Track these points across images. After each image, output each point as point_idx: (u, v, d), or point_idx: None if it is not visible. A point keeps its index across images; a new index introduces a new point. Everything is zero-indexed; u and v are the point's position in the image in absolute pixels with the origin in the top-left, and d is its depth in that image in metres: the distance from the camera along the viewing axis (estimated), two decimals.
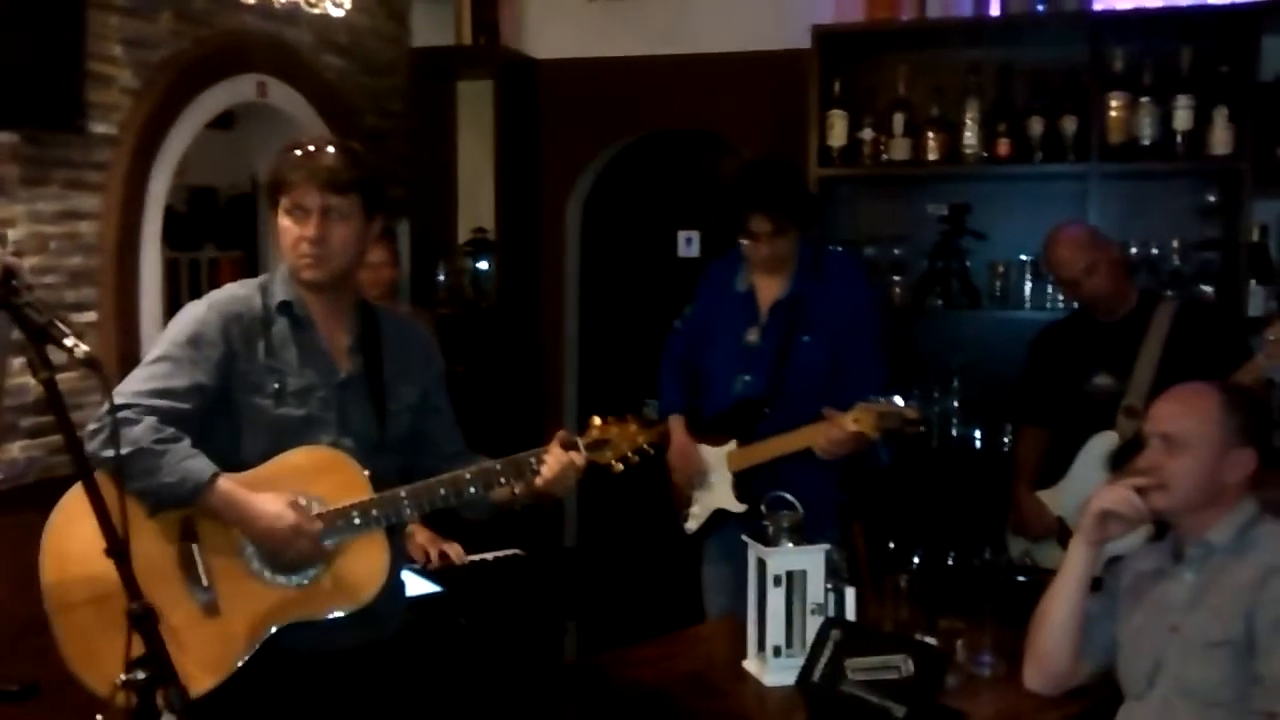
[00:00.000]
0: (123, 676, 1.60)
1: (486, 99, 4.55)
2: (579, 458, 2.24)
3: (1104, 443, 3.17)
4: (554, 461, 2.21)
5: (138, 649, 1.64)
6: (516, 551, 3.28)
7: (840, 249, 3.65)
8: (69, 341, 1.65)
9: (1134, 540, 2.46)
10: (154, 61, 3.38)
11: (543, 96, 4.69)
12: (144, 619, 1.61)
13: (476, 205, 4.70)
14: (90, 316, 3.22)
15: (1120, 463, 3.09)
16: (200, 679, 1.99)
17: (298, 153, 2.17)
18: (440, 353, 3.98)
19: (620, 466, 2.30)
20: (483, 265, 4.64)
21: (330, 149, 2.18)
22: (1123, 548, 2.42)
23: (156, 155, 3.40)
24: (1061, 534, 3.21)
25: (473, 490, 2.20)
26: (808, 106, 4.02)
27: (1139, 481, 2.21)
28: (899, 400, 2.80)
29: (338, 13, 3.90)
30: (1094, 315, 3.29)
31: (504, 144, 4.49)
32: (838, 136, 4.02)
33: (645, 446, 2.31)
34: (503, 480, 2.22)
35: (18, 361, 3.03)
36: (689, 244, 4.74)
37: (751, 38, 4.32)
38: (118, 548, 1.65)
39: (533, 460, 2.22)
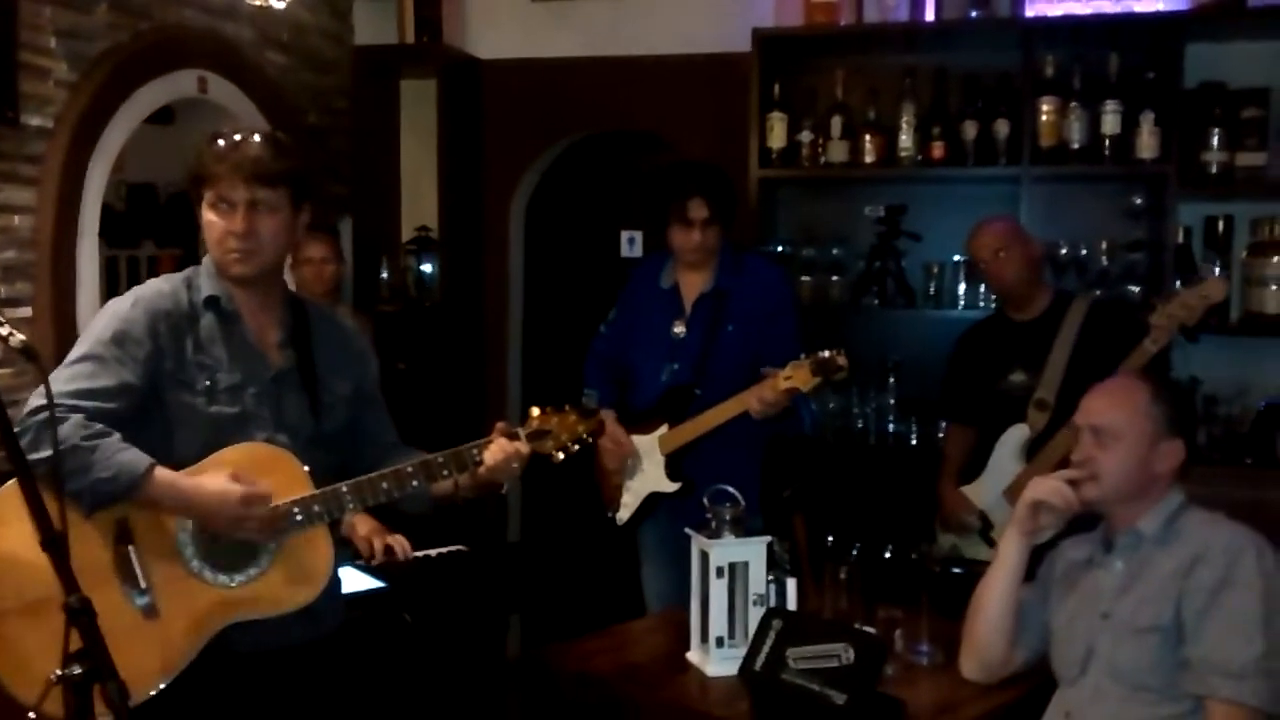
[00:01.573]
0: (58, 671, 1.53)
1: (430, 98, 4.55)
2: (522, 446, 2.22)
3: (1017, 435, 3.28)
4: (497, 451, 2.20)
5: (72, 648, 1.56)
6: (460, 547, 3.29)
7: (757, 251, 3.78)
8: (3, 330, 1.60)
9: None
10: (90, 54, 3.34)
11: (486, 96, 4.69)
12: (81, 613, 1.55)
13: (419, 204, 4.69)
14: (25, 312, 3.16)
15: (1033, 454, 3.22)
16: (143, 683, 1.95)
17: (221, 143, 2.09)
18: (373, 347, 4.00)
19: (560, 456, 2.29)
20: (426, 268, 4.63)
21: (255, 139, 2.11)
22: (1046, 533, 2.48)
23: (94, 149, 3.35)
24: (983, 527, 3.31)
25: (415, 484, 2.17)
26: (748, 109, 4.07)
27: (1071, 473, 2.27)
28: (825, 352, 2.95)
29: (279, 5, 3.87)
30: (1008, 312, 3.42)
31: (447, 143, 4.49)
32: (777, 138, 4.08)
33: (585, 436, 2.30)
34: (445, 473, 2.19)
35: None
36: (632, 244, 4.77)
37: (693, 40, 4.37)
38: (53, 540, 1.58)
39: (475, 452, 2.20)
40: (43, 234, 3.23)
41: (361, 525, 3.17)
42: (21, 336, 1.62)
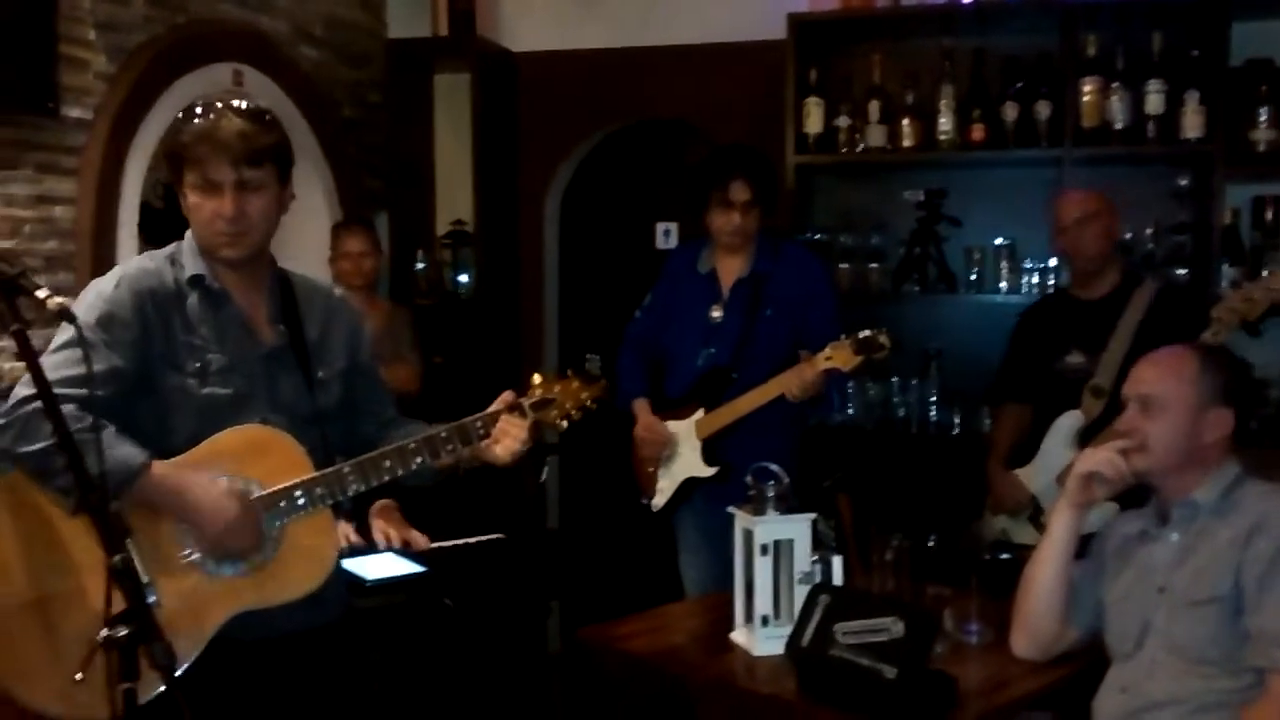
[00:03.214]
0: (104, 632, 1.53)
1: (464, 91, 4.54)
2: (521, 425, 2.13)
3: (1070, 421, 3.19)
4: (499, 432, 2.12)
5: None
6: (499, 536, 3.27)
7: (793, 239, 3.76)
8: (41, 293, 1.57)
9: (1099, 517, 2.45)
10: (128, 47, 3.36)
11: (520, 89, 4.68)
12: (125, 574, 1.55)
13: (455, 198, 4.69)
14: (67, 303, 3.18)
15: (1087, 441, 3.11)
16: (149, 680, 1.79)
17: (199, 120, 1.97)
18: (416, 339, 3.95)
19: (565, 425, 2.22)
20: (463, 278, 4.62)
21: (235, 114, 1.98)
22: (1094, 523, 2.43)
23: (132, 141, 3.37)
24: (1034, 511, 3.23)
25: (419, 460, 2.08)
26: (784, 95, 4.03)
27: (1122, 444, 2.23)
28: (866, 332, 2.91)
29: None
30: (1073, 290, 3.33)
31: (482, 136, 4.48)
32: (814, 124, 4.04)
33: (589, 402, 2.23)
34: (449, 447, 2.10)
35: None
36: (667, 236, 4.75)
37: (727, 28, 4.34)
38: (91, 503, 1.57)
39: (479, 425, 2.13)
40: (83, 225, 3.25)
41: (377, 519, 3.14)
42: (59, 300, 1.61)
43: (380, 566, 2.91)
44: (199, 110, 1.99)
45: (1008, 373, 3.47)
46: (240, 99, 2.08)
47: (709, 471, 3.21)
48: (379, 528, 3.12)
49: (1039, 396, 3.32)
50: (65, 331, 1.92)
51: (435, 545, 3.16)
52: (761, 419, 3.12)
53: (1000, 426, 3.47)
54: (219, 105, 2.00)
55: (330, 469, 2.04)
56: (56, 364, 1.87)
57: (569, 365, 2.30)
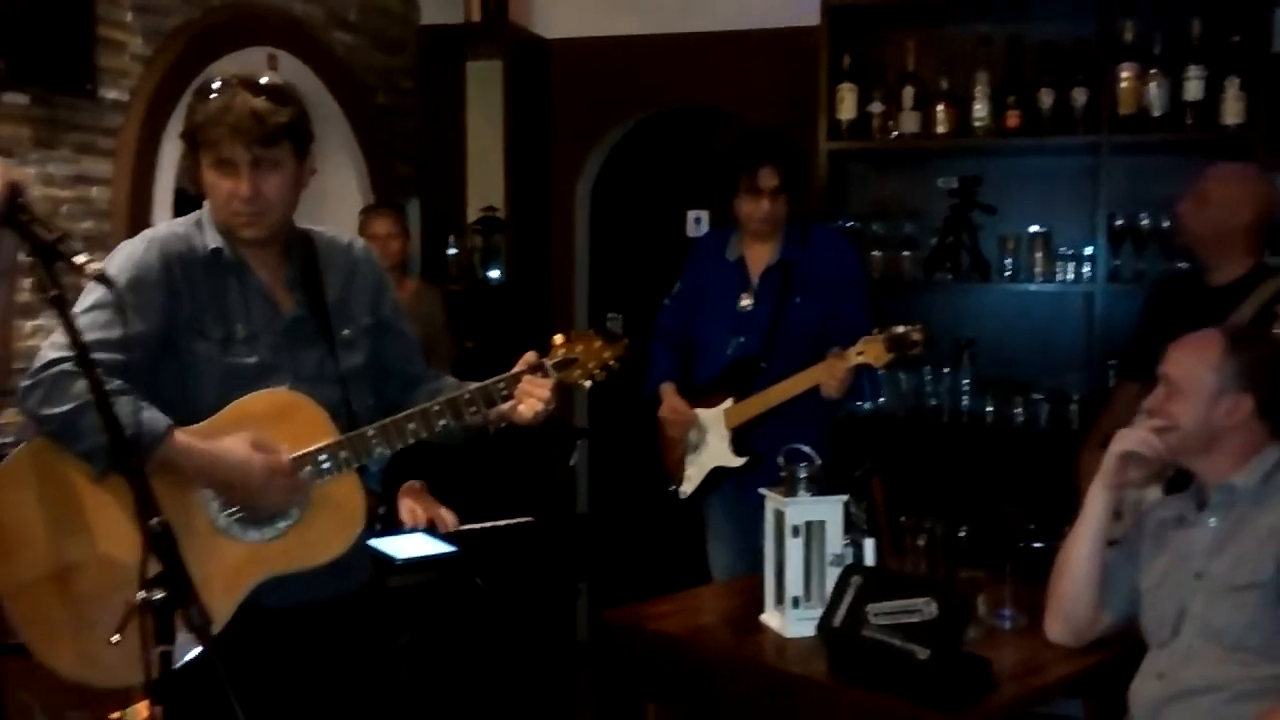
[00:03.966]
0: (141, 594, 1.53)
1: (496, 78, 4.55)
2: (544, 386, 2.09)
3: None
4: (521, 394, 2.09)
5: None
6: (528, 519, 3.27)
7: (824, 224, 3.71)
8: (80, 258, 1.55)
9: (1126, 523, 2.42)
10: (165, 29, 3.39)
11: (553, 75, 4.68)
12: (162, 537, 1.54)
13: (486, 184, 4.69)
14: None
15: None
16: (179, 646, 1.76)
17: (214, 98, 1.94)
18: (446, 320, 3.94)
19: (588, 385, 2.18)
20: (494, 264, 4.62)
21: (249, 92, 1.94)
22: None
23: (167, 123, 3.39)
24: None
25: (443, 422, 2.06)
26: (818, 81, 4.00)
27: (1156, 423, 2.22)
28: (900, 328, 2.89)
29: None
30: (1205, 274, 3.12)
31: (514, 123, 4.48)
32: (847, 110, 4.01)
33: (611, 361, 2.19)
34: (473, 409, 2.08)
35: (29, 325, 3.03)
36: (698, 223, 4.73)
37: (760, 14, 4.32)
38: (127, 464, 1.56)
39: (502, 386, 2.10)
40: (118, 206, 3.28)
41: (405, 498, 3.14)
42: (98, 264, 1.60)
43: (410, 546, 2.92)
44: (214, 88, 1.96)
45: (1130, 350, 3.31)
46: (258, 74, 2.05)
47: (738, 461, 3.19)
48: (407, 507, 3.13)
49: (1151, 378, 3.20)
50: (93, 292, 1.90)
51: (465, 527, 3.17)
52: (791, 409, 3.09)
53: (1111, 403, 3.31)
54: (233, 83, 1.96)
55: (354, 432, 2.02)
56: (85, 326, 1.84)
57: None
